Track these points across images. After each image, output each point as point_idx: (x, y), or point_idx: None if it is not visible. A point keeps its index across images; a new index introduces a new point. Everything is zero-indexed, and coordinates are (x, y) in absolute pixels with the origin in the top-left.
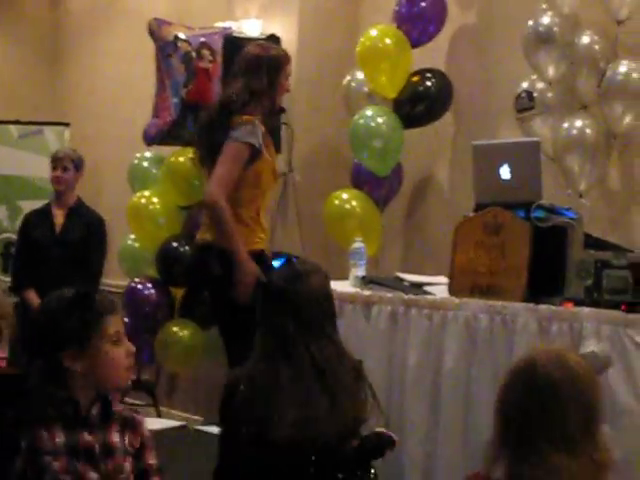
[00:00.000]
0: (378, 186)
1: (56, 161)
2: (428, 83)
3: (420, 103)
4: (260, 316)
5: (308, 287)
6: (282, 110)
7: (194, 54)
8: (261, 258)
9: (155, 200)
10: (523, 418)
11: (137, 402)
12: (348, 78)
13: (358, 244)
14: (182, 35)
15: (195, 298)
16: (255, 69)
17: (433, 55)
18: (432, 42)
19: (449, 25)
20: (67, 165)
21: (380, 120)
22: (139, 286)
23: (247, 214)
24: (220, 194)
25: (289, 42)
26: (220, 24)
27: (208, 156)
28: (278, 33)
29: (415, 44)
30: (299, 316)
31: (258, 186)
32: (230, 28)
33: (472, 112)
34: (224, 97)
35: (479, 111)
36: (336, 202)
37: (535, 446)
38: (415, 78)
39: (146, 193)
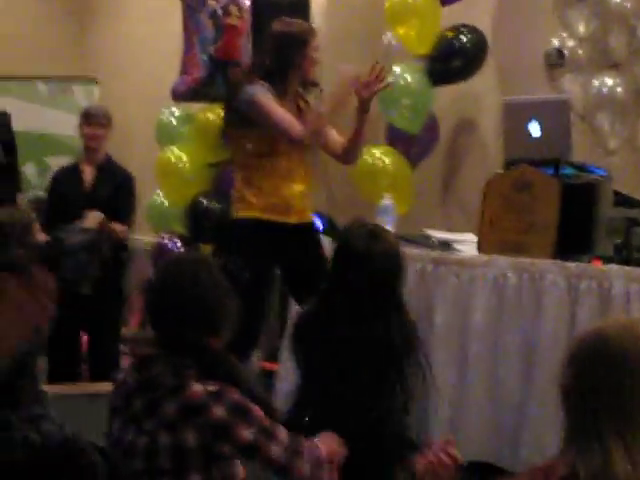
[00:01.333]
0: (411, 143)
1: (89, 117)
2: (463, 38)
3: (455, 59)
4: (333, 276)
5: (385, 245)
6: (315, 84)
7: (222, 11)
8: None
9: (184, 157)
10: (594, 399)
11: None
12: (381, 36)
13: (386, 201)
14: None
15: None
16: (281, 46)
17: (464, 11)
18: None
19: None
20: (100, 121)
21: (408, 77)
22: (167, 242)
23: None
24: (297, 131)
25: (320, 4)
26: None
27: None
28: None
29: (446, 2)
30: (375, 277)
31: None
32: None
33: (504, 69)
34: (246, 68)
35: (510, 68)
36: (366, 159)
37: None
38: (449, 33)
39: (175, 150)
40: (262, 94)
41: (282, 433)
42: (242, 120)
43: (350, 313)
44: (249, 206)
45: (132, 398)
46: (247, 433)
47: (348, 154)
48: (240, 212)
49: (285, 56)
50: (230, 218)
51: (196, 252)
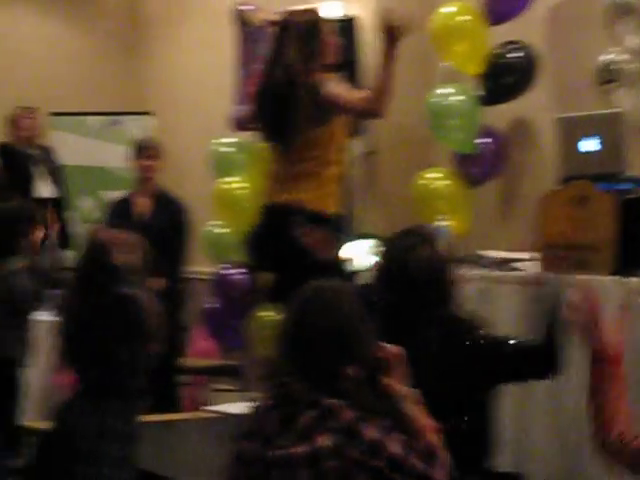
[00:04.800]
0: (473, 163)
1: (143, 150)
2: (514, 55)
3: (506, 76)
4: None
5: (427, 254)
6: (338, 67)
7: None
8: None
9: (240, 185)
10: None
11: (227, 387)
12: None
13: (440, 223)
14: (268, 19)
15: (284, 282)
16: (298, 36)
17: (513, 28)
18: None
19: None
20: (153, 153)
21: (458, 98)
22: (226, 272)
23: (326, 173)
24: (360, 99)
25: (367, 23)
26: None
27: (277, 130)
28: (356, 14)
29: (497, 21)
30: (417, 287)
31: (334, 140)
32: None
33: (556, 85)
34: (281, 70)
35: (563, 84)
36: (424, 181)
37: None
38: (500, 51)
39: (231, 178)
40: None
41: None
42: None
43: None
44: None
45: (267, 416)
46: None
47: (374, 102)
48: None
49: (314, 38)
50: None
51: (333, 280)
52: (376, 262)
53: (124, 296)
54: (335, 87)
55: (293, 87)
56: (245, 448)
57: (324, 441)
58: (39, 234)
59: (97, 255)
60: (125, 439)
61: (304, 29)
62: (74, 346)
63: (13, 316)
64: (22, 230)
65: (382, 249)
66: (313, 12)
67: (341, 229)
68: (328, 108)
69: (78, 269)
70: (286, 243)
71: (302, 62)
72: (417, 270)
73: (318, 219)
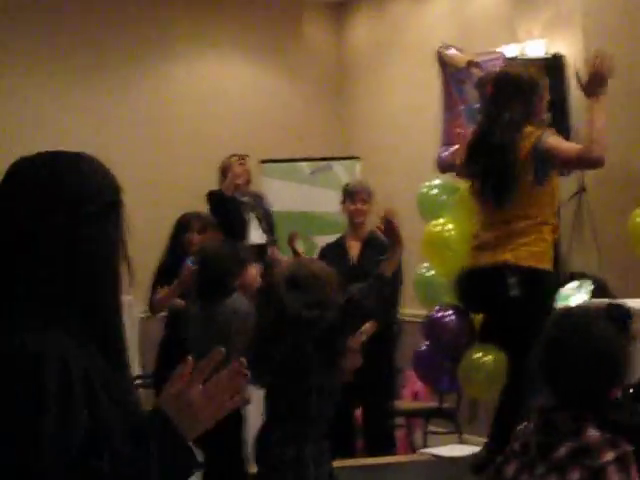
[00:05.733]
0: None
1: (354, 194)
2: None
3: None
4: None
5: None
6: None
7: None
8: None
9: (450, 227)
10: None
11: (440, 429)
12: None
13: None
14: (475, 60)
15: (495, 324)
16: (518, 91)
17: None
18: None
19: None
20: (364, 197)
21: None
22: (439, 314)
23: (547, 230)
24: (578, 151)
25: (573, 60)
26: (503, 47)
27: (492, 185)
28: (562, 52)
29: None
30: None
31: (553, 200)
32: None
33: None
34: (501, 124)
35: None
36: (638, 219)
37: None
38: None
39: (441, 221)
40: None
41: None
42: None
43: None
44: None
45: (529, 444)
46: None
47: (593, 152)
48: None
49: (534, 95)
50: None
51: (583, 305)
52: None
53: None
54: (554, 140)
55: (513, 142)
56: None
57: (574, 476)
58: (252, 276)
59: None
60: None
61: (526, 84)
62: None
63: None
64: (233, 270)
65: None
66: (533, 68)
67: (557, 285)
68: (549, 163)
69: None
70: (502, 300)
71: (523, 117)
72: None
73: (535, 277)
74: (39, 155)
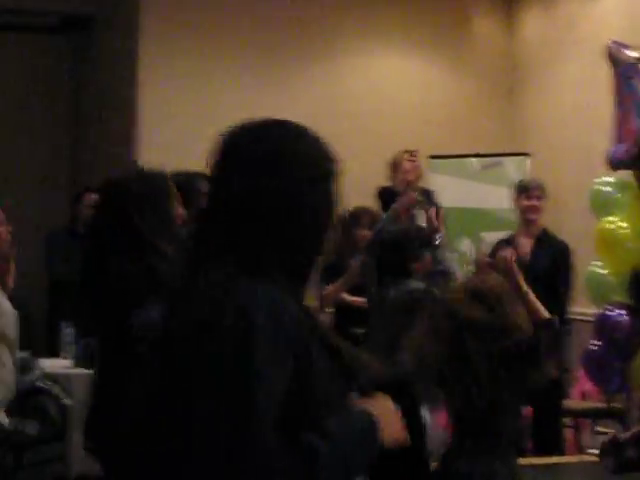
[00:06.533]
0: None
1: (526, 190)
2: None
3: None
4: None
5: None
6: None
7: None
8: None
9: (624, 225)
10: None
11: (609, 430)
12: None
13: None
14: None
15: None
16: None
17: None
18: None
19: None
20: (538, 194)
21: None
22: (610, 313)
23: None
24: None
25: None
26: None
27: None
28: None
29: None
30: None
31: None
32: None
33: None
34: None
35: None
36: None
37: None
38: None
39: (613, 218)
40: None
41: None
42: None
43: None
44: None
45: None
46: None
47: None
48: None
49: None
50: None
51: None
52: None
53: None
54: None
55: None
56: None
57: None
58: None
59: None
60: None
61: None
62: None
63: None
64: (412, 253)
65: None
66: None
67: None
68: None
69: None
70: None
71: None
72: None
73: None
74: (265, 121)
